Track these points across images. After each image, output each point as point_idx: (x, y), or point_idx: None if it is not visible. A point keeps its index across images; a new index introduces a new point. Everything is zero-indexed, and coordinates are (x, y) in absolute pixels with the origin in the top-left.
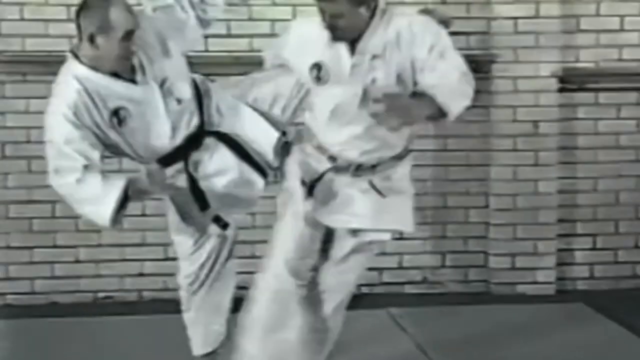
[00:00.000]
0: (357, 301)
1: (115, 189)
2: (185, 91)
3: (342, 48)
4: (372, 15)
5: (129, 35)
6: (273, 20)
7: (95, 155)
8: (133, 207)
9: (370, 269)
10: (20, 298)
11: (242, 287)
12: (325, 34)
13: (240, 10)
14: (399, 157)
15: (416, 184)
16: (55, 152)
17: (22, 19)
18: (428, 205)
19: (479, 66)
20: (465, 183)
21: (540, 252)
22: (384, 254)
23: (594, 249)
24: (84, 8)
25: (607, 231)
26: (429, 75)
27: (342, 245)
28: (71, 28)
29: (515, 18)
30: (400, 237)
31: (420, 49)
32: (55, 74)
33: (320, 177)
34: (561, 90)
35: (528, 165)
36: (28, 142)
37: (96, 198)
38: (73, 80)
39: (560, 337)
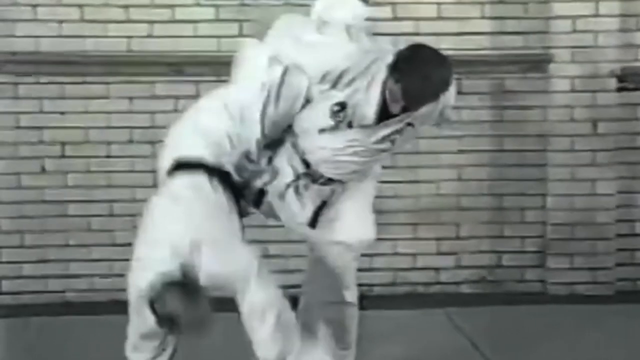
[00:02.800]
0: (414, 301)
1: None
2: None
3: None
4: None
5: None
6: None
7: None
8: None
9: (427, 268)
10: (80, 295)
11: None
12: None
13: None
14: None
15: (473, 185)
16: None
17: (82, 20)
18: (485, 206)
19: (537, 66)
20: (522, 183)
21: (599, 252)
22: (440, 253)
23: None
24: None
25: None
26: None
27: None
28: (130, 29)
29: (574, 17)
30: (457, 237)
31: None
32: (113, 74)
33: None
34: (620, 89)
35: (586, 165)
36: (87, 142)
37: None
38: None
39: (619, 338)
